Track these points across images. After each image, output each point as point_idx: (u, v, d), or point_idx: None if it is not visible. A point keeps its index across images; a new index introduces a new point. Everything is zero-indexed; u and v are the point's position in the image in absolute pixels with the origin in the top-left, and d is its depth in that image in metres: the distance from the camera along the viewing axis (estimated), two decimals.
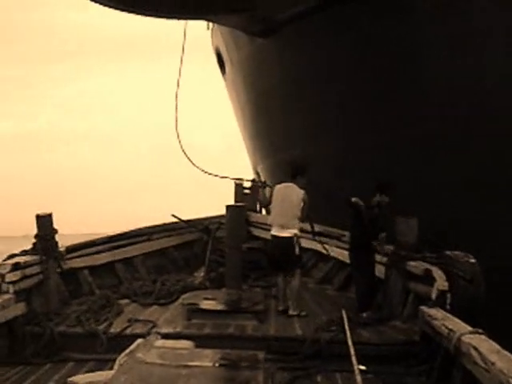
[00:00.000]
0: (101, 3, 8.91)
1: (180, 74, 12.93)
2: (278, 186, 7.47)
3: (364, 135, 9.50)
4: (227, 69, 14.78)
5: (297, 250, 7.17)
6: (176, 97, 12.97)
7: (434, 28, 8.18)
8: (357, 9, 8.61)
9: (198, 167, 12.56)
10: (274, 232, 7.35)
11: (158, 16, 9.51)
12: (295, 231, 7.16)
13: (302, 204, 7.14)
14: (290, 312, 7.15)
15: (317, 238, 8.56)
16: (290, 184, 7.34)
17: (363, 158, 9.41)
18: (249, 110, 14.31)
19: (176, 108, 13.01)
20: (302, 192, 7.20)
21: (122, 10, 9.05)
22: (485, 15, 7.83)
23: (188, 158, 12.54)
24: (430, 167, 8.67)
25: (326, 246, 8.71)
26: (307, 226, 8.01)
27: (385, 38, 8.65)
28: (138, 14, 9.26)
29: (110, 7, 8.93)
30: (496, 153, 8.12)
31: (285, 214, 7.20)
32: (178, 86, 12.97)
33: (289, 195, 7.24)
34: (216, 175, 12.25)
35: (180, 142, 12.74)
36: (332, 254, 8.82)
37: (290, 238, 7.14)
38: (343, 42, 9.23)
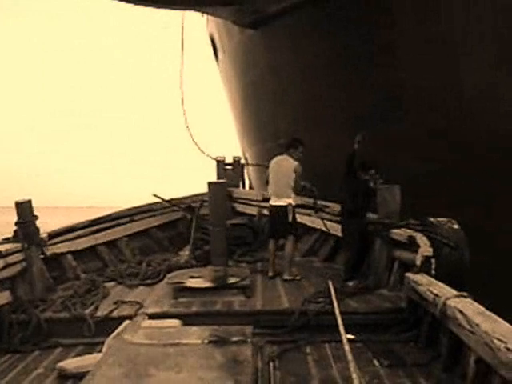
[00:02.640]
0: None
1: (182, 62, 14.22)
2: (273, 160, 7.78)
3: (349, 126, 9.51)
4: (220, 56, 15.11)
5: (290, 217, 7.46)
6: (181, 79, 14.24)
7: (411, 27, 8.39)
8: (338, 6, 8.89)
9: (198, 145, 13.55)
10: (271, 202, 7.74)
11: (152, 5, 9.81)
12: (289, 200, 7.49)
13: (294, 174, 7.45)
14: (285, 277, 7.46)
15: (312, 212, 8.73)
16: (284, 156, 7.67)
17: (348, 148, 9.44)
18: (238, 98, 14.61)
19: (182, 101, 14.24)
20: (294, 163, 7.51)
21: None
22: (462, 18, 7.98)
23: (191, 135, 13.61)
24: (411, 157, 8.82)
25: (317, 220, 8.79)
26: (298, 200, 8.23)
27: (367, 33, 8.84)
28: (133, 3, 9.59)
29: None
30: None
31: (279, 184, 7.60)
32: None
33: (281, 166, 7.59)
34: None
35: (185, 115, 14.03)
36: (318, 226, 8.89)
37: (284, 207, 7.47)
38: (327, 36, 9.48)
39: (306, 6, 9.38)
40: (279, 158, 7.72)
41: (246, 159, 14.76)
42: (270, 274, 7.68)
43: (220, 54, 14.94)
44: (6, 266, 6.54)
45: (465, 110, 8.28)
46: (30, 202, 7.30)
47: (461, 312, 4.21)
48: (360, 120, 9.22)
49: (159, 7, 10.00)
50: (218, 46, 14.79)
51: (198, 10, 11.78)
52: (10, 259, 6.69)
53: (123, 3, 9.48)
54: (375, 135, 8.76)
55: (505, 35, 7.70)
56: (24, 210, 7.21)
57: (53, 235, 7.96)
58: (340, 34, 9.20)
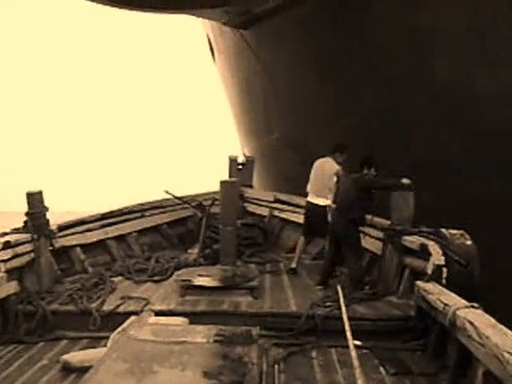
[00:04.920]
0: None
1: None
2: (318, 161, 8.15)
3: (336, 121, 9.87)
4: (216, 55, 15.46)
5: (329, 217, 7.56)
6: None
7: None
8: (320, 6, 9.32)
9: None
10: (309, 198, 8.18)
11: (141, 10, 10.06)
12: (328, 201, 7.65)
13: (334, 177, 7.61)
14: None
15: None
16: (328, 158, 8.02)
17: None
18: (235, 96, 14.98)
19: None
20: (336, 167, 7.74)
21: (108, 4, 9.66)
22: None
23: None
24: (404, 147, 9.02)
25: None
26: None
27: (349, 30, 9.14)
28: (122, 8, 9.82)
29: (98, 3, 9.55)
30: None
31: (318, 183, 7.97)
32: None
33: (323, 168, 7.97)
34: None
35: None
36: None
37: (323, 207, 7.76)
38: (312, 34, 9.78)
39: (290, 7, 9.76)
40: (324, 159, 8.01)
41: (244, 156, 14.87)
42: (293, 265, 8.12)
43: (215, 53, 15.34)
44: (15, 256, 6.54)
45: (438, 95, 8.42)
46: (40, 192, 7.30)
47: (471, 323, 4.14)
48: (347, 113, 9.60)
49: (146, 11, 10.17)
50: (214, 46, 15.17)
51: (189, 14, 11.85)
52: (19, 249, 6.69)
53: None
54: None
55: (479, 21, 7.73)
56: (35, 200, 7.21)
57: (62, 227, 7.97)
58: (324, 31, 9.50)
